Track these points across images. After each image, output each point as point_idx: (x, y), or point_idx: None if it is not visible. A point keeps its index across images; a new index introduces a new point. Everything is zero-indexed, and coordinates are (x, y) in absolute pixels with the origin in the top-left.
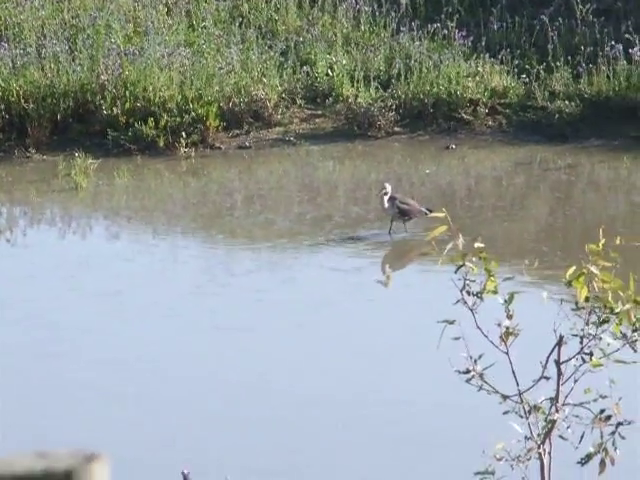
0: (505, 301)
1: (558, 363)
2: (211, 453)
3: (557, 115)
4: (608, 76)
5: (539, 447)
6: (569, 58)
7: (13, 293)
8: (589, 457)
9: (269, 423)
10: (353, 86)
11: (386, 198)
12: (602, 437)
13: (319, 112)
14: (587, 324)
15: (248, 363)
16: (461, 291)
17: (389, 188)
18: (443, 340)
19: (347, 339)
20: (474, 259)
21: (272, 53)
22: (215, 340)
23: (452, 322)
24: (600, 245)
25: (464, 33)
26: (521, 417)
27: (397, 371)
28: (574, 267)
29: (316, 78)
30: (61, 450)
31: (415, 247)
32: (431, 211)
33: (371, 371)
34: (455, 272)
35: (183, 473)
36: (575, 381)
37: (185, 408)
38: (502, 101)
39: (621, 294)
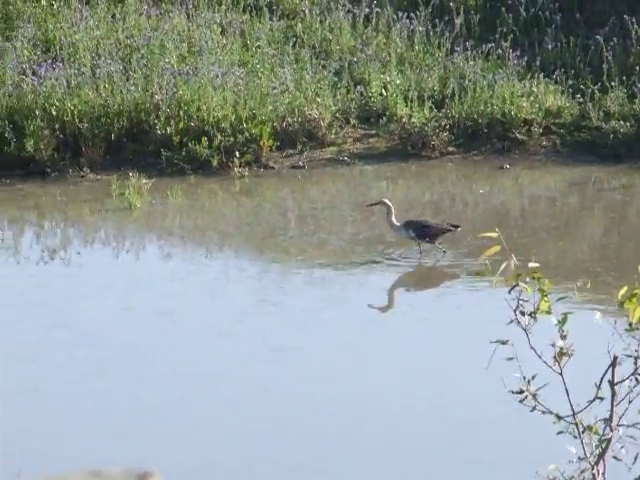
0: (559, 321)
1: (612, 384)
2: (260, 470)
3: (612, 135)
4: None
5: (593, 468)
6: (624, 78)
7: (67, 313)
8: None
9: (321, 441)
10: (407, 106)
11: (392, 217)
12: None
13: (373, 132)
14: None
15: (300, 382)
16: (515, 311)
17: (392, 207)
18: (497, 360)
19: (399, 359)
20: (527, 279)
21: (326, 73)
22: (267, 359)
23: (505, 342)
24: None
25: (518, 53)
26: (575, 437)
27: (450, 391)
28: (626, 287)
29: (370, 98)
30: (115, 468)
31: (466, 268)
32: (457, 227)
33: (424, 391)
34: (509, 292)
35: None
36: (629, 402)
37: (235, 426)
38: (556, 121)
39: None
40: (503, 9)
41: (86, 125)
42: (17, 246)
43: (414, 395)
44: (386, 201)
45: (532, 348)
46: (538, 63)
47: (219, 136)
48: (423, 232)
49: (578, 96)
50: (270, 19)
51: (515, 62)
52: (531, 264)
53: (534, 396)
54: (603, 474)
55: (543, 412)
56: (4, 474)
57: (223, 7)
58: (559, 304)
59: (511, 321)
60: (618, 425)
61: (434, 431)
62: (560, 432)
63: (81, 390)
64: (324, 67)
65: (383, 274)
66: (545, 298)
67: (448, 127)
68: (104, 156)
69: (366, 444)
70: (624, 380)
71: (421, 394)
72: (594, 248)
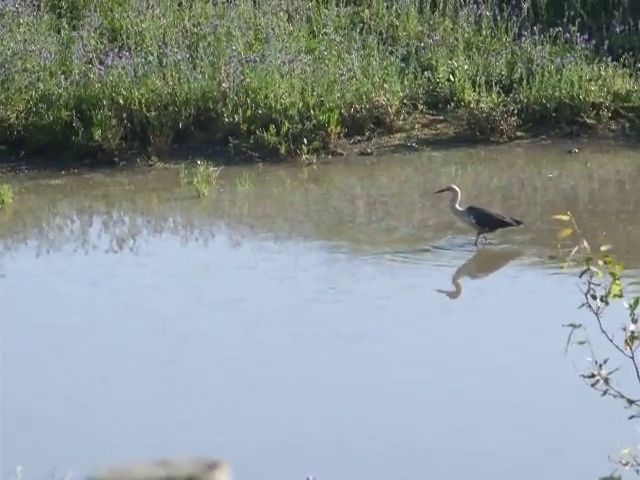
0: (630, 305)
1: None
2: (333, 459)
3: None
4: None
5: None
6: None
7: (137, 301)
8: None
9: (393, 429)
10: (475, 91)
11: (457, 203)
12: None
13: (441, 117)
14: None
15: (371, 370)
16: (586, 295)
17: (458, 193)
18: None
19: (470, 345)
20: (599, 263)
21: (393, 59)
22: (337, 347)
23: (578, 326)
24: None
25: (586, 37)
26: None
27: (521, 376)
28: None
29: (437, 83)
30: (183, 458)
31: (535, 253)
32: (520, 223)
33: (495, 376)
34: (580, 276)
35: (308, 479)
36: None
37: (307, 414)
38: (625, 105)
39: None
40: None
41: (153, 114)
42: (86, 236)
43: (484, 381)
44: (454, 187)
45: (603, 332)
46: (606, 47)
47: (287, 123)
48: (483, 220)
49: None
50: (337, 5)
51: (583, 46)
52: (604, 247)
53: (606, 380)
54: None
55: (615, 396)
56: (77, 463)
57: None
58: (630, 288)
59: (582, 305)
60: None
61: (505, 418)
62: (632, 417)
63: (151, 379)
64: (391, 53)
65: (452, 260)
66: (617, 281)
67: (516, 112)
68: (172, 145)
69: (438, 427)
70: None
71: (491, 380)
72: None
